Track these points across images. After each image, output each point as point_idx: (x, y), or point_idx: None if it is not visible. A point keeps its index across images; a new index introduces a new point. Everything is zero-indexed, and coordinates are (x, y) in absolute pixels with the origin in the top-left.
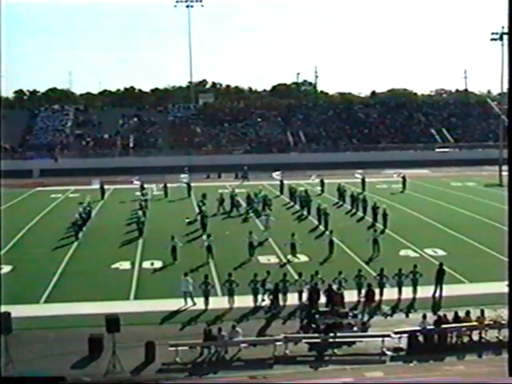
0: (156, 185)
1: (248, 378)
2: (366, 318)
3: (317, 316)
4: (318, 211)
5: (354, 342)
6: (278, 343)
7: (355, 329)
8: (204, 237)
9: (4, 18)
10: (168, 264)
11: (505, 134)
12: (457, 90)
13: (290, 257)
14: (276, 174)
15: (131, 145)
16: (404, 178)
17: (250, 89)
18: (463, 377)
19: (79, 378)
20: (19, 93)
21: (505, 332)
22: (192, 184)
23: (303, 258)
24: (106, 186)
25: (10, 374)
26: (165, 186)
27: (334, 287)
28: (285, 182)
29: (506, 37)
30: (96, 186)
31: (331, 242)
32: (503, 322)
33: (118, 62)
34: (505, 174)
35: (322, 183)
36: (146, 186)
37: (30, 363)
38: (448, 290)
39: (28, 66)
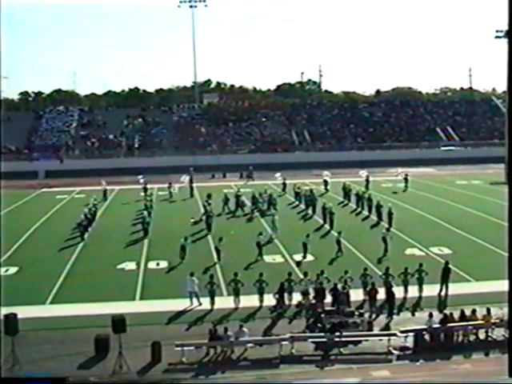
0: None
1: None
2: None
3: (322, 315)
4: (323, 210)
5: (359, 341)
6: (283, 343)
7: (361, 328)
8: (209, 237)
9: (9, 18)
10: (174, 264)
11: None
12: (461, 88)
13: (301, 256)
14: (278, 176)
15: (136, 145)
16: (406, 176)
17: (255, 88)
18: (469, 376)
19: (83, 377)
20: (24, 94)
21: None
22: (197, 184)
23: (309, 257)
24: (110, 187)
25: (17, 374)
26: (169, 187)
27: (340, 286)
28: (289, 181)
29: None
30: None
31: (338, 242)
32: None
33: (122, 63)
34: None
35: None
36: (149, 186)
37: (36, 364)
38: (454, 289)
39: (33, 68)
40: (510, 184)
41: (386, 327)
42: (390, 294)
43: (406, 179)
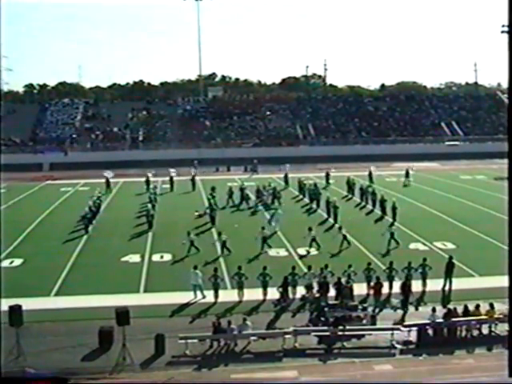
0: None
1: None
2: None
3: (326, 309)
4: (327, 204)
5: (363, 335)
6: (287, 336)
7: (364, 322)
8: (213, 230)
9: (15, 11)
10: (178, 257)
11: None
12: (467, 83)
13: (309, 248)
14: (287, 167)
15: (140, 138)
16: (407, 171)
17: (259, 82)
18: (471, 371)
19: (84, 377)
20: (29, 86)
21: None
22: (202, 177)
23: (312, 251)
24: (115, 180)
25: (18, 373)
26: (171, 180)
27: (343, 280)
28: (294, 175)
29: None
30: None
31: (345, 236)
32: None
33: (127, 56)
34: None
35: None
36: (152, 179)
37: (40, 355)
38: (457, 284)
39: (38, 60)
40: (510, 179)
41: (401, 320)
42: (405, 287)
43: (407, 174)
